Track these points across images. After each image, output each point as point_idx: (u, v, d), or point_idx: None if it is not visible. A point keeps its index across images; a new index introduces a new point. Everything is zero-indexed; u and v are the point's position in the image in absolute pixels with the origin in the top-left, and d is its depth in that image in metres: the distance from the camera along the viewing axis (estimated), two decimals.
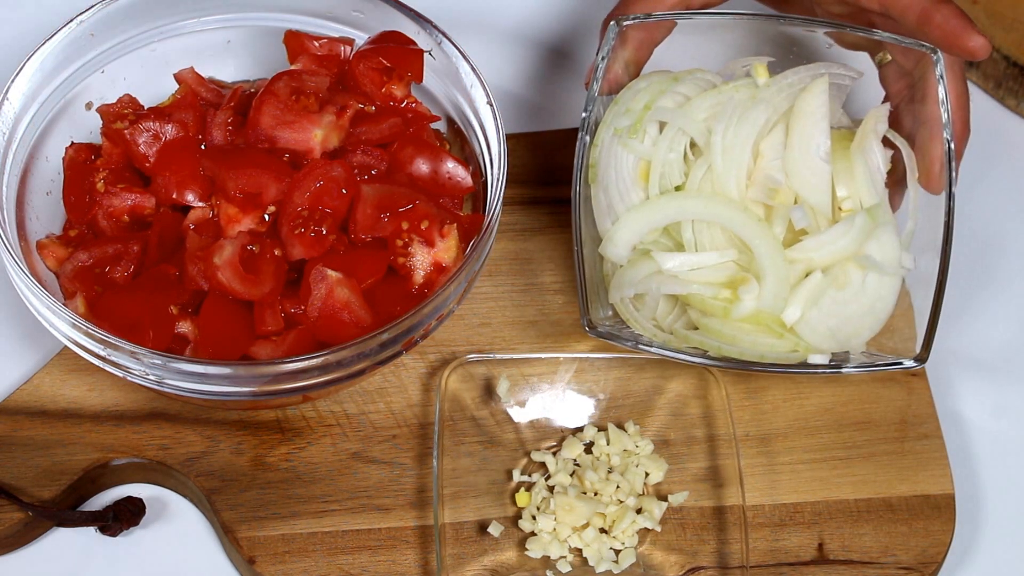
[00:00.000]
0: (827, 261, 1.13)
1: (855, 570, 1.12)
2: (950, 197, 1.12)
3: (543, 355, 1.18)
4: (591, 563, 1.10)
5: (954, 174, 1.12)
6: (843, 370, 1.12)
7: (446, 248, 1.12)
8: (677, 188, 1.15)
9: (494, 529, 1.12)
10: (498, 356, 1.18)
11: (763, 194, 1.13)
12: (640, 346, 1.13)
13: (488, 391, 1.17)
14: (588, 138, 1.15)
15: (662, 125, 1.16)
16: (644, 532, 1.12)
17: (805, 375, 1.19)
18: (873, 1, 1.14)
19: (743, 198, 1.14)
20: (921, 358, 1.11)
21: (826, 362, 1.12)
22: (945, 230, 1.12)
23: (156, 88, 1.19)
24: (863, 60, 1.19)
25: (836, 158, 1.14)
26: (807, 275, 1.13)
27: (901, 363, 1.12)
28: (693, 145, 1.16)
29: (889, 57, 1.17)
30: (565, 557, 1.11)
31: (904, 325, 1.15)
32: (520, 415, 1.17)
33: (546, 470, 1.14)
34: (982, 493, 1.18)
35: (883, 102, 1.18)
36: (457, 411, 1.16)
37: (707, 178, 1.14)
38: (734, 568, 1.11)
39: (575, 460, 1.15)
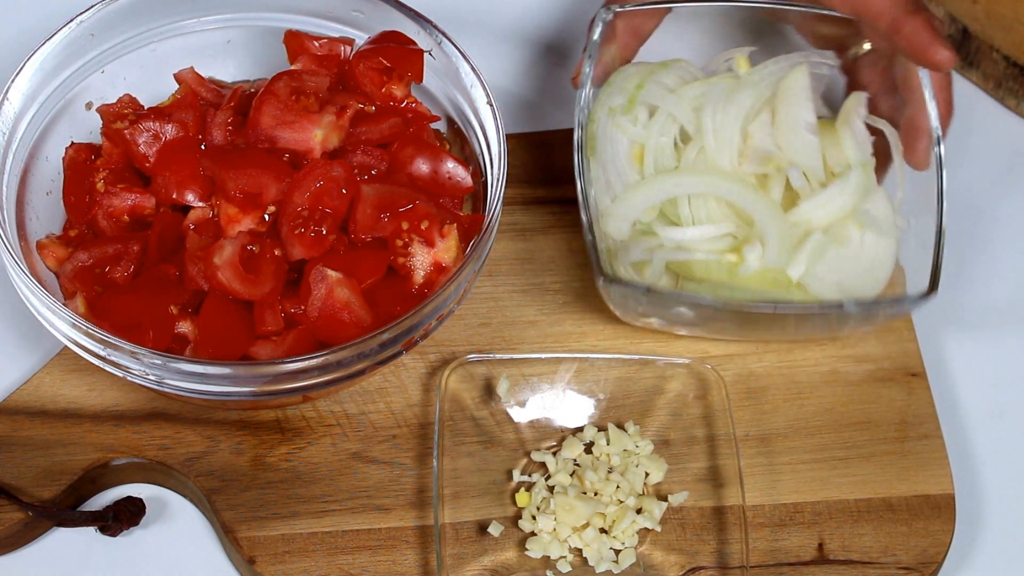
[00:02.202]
0: (826, 221, 1.14)
1: (855, 570, 1.12)
2: (940, 174, 1.14)
3: (543, 355, 1.18)
4: (591, 563, 1.10)
5: (942, 153, 1.15)
6: (844, 308, 1.11)
7: (446, 248, 1.12)
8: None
9: (494, 529, 1.12)
10: (498, 356, 1.18)
11: (757, 165, 1.16)
12: (651, 293, 1.11)
13: (488, 391, 1.17)
14: (586, 111, 1.16)
15: (653, 111, 1.19)
16: (644, 532, 1.12)
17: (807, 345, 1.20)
18: (845, 5, 1.16)
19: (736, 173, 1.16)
20: (927, 294, 1.11)
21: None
22: (939, 195, 1.14)
23: (156, 88, 1.19)
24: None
25: (822, 134, 1.17)
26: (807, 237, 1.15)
27: (906, 299, 1.12)
28: (687, 139, 1.18)
29: (866, 47, 1.19)
30: (565, 557, 1.11)
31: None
32: (520, 415, 1.17)
33: (546, 470, 1.14)
34: (982, 493, 1.18)
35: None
36: (457, 411, 1.16)
37: (700, 159, 1.17)
38: (734, 568, 1.11)
39: (575, 460, 1.15)
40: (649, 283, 1.14)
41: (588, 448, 1.16)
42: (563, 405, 1.17)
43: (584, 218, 1.12)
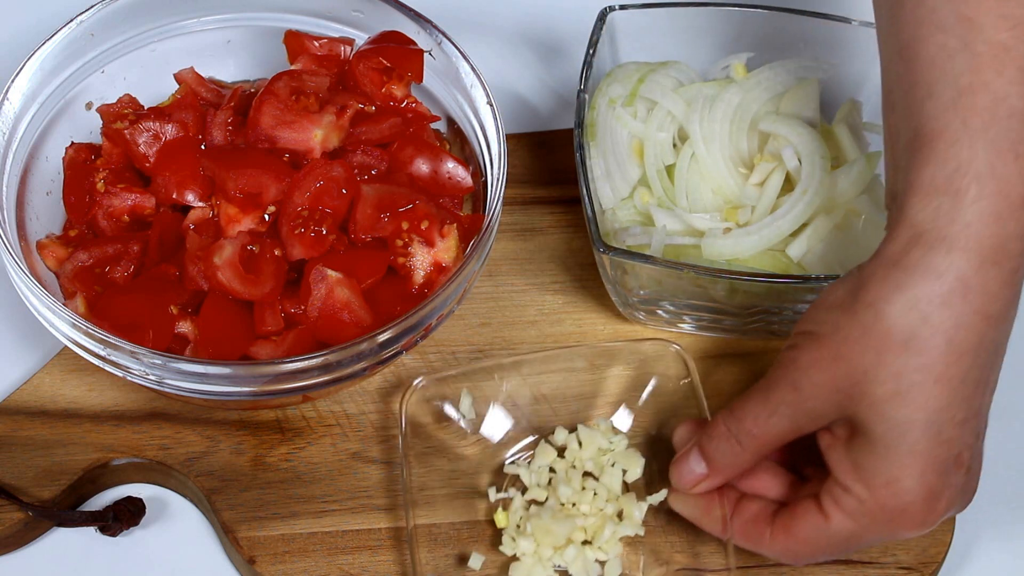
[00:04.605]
0: (827, 205, 1.15)
1: (855, 570, 1.11)
2: None
3: (503, 360, 1.14)
4: None
5: None
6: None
7: (446, 248, 1.12)
8: (668, 167, 1.19)
9: (475, 562, 1.09)
10: (451, 373, 1.14)
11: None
12: (652, 261, 1.10)
13: (448, 410, 1.14)
14: (587, 96, 1.17)
15: (652, 106, 1.20)
16: (628, 538, 1.11)
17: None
18: None
19: (732, 173, 1.18)
20: None
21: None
22: None
23: (156, 88, 1.19)
24: (838, 52, 1.22)
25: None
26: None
27: None
28: (684, 137, 1.20)
29: None
30: None
31: None
32: (485, 428, 1.14)
33: (522, 484, 1.12)
34: (982, 493, 1.17)
35: None
36: (418, 437, 1.12)
37: (694, 167, 1.18)
38: (721, 571, 1.10)
39: (550, 467, 1.12)
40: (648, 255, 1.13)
41: (562, 452, 1.13)
42: (528, 410, 1.14)
43: (583, 193, 1.12)
